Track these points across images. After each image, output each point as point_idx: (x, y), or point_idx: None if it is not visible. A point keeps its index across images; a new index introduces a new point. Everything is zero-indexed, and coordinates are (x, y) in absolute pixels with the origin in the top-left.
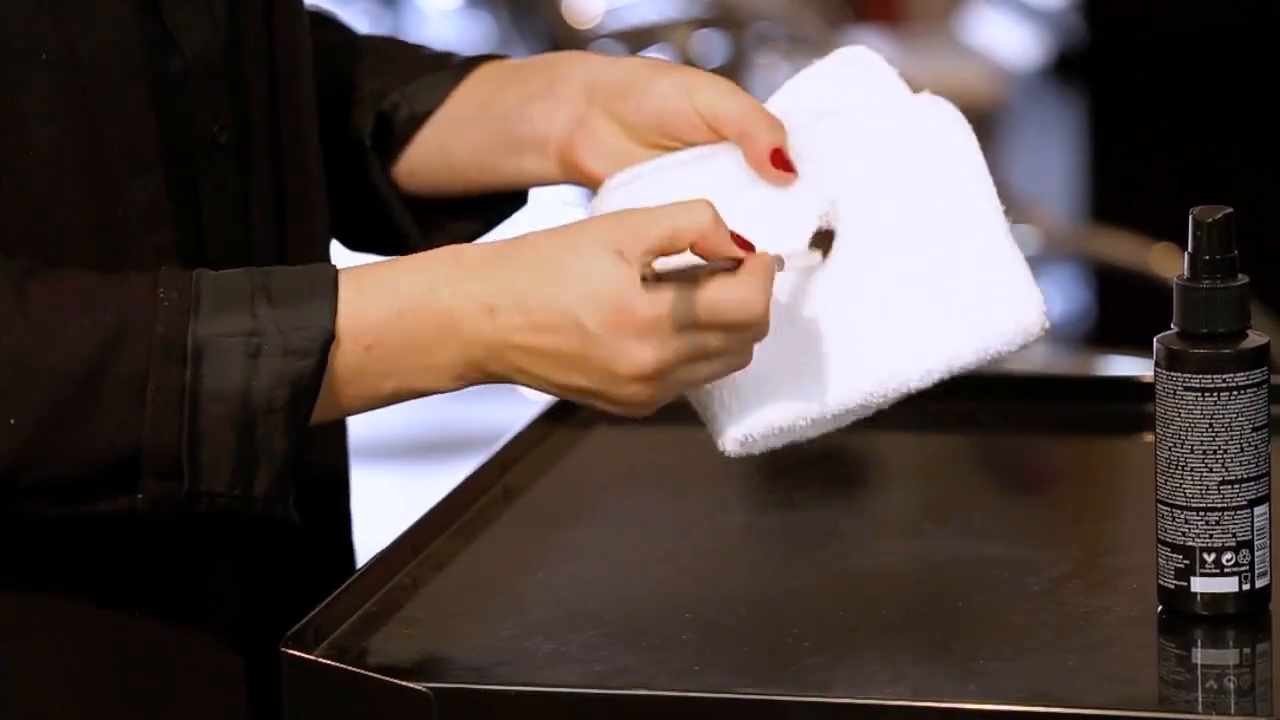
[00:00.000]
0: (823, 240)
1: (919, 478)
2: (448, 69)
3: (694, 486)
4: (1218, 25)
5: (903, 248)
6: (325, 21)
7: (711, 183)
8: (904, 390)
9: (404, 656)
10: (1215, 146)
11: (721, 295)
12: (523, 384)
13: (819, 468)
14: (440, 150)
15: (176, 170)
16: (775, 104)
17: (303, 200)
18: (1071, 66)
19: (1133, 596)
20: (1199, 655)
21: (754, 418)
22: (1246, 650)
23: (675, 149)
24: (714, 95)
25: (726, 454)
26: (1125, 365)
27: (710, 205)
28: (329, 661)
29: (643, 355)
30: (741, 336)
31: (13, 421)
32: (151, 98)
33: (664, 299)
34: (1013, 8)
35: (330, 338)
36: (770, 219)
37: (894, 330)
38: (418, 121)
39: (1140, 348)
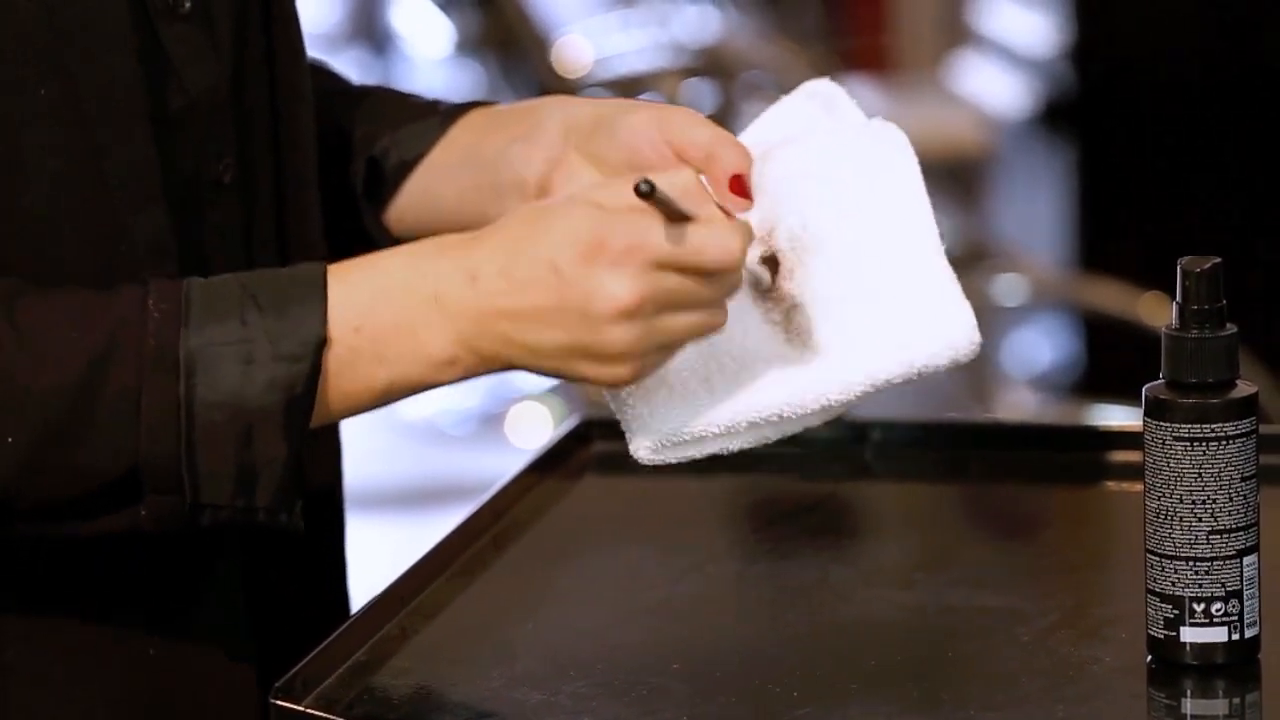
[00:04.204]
0: (771, 264)
1: (909, 527)
2: (436, 115)
3: (684, 536)
4: (1206, 74)
5: (831, 264)
6: (318, 69)
7: None
8: (822, 403)
9: (393, 707)
10: (1204, 195)
11: (703, 234)
12: (513, 361)
13: (809, 517)
14: (428, 195)
15: (181, 207)
16: (743, 140)
17: (302, 240)
18: (1060, 115)
19: (1123, 646)
20: (1189, 705)
21: (664, 424)
22: (1236, 700)
23: None
24: (682, 125)
25: (641, 462)
26: (1114, 414)
27: (691, 171)
28: (318, 712)
29: (618, 286)
30: (718, 285)
31: (10, 440)
32: (154, 134)
33: (641, 227)
34: (1001, 56)
35: (322, 341)
36: None
37: (814, 343)
38: (407, 167)
39: (1129, 397)
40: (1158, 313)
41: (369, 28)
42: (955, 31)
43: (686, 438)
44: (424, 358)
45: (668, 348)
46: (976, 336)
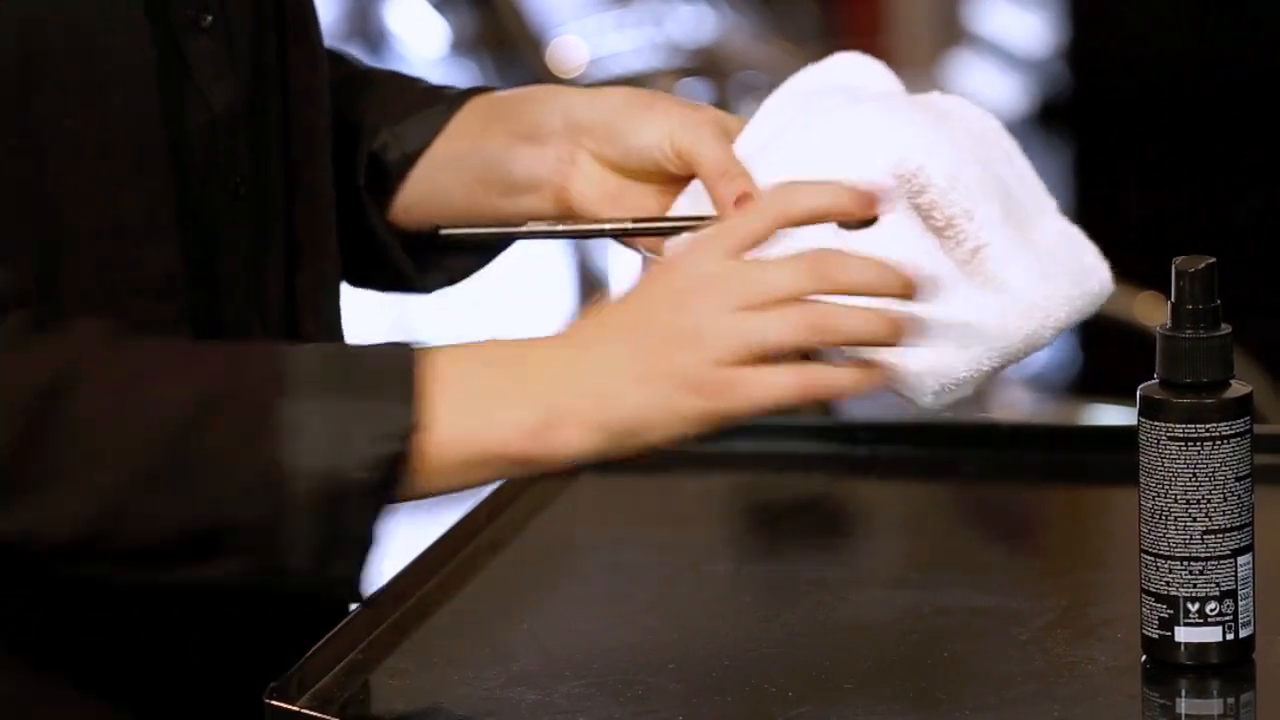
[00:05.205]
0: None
1: (904, 527)
2: (438, 104)
3: (679, 536)
4: (1201, 74)
5: (999, 207)
6: (332, 57)
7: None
8: (1042, 342)
9: (389, 707)
10: (1199, 195)
11: (772, 193)
12: (595, 412)
13: (805, 517)
14: (433, 188)
15: (196, 230)
16: (776, 98)
17: (314, 247)
18: (1055, 115)
19: (1118, 646)
20: (1183, 705)
21: (940, 374)
22: (1230, 700)
23: (666, 180)
24: (692, 141)
25: (924, 406)
26: (1109, 414)
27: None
28: (313, 713)
29: (691, 271)
30: (797, 267)
31: (100, 485)
32: (172, 161)
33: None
34: (997, 57)
35: (415, 425)
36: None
37: (1012, 284)
38: (409, 160)
39: (1124, 397)
40: (1153, 312)
41: (364, 27)
42: (951, 32)
43: (961, 380)
44: (506, 419)
45: (766, 341)
46: (1111, 284)
